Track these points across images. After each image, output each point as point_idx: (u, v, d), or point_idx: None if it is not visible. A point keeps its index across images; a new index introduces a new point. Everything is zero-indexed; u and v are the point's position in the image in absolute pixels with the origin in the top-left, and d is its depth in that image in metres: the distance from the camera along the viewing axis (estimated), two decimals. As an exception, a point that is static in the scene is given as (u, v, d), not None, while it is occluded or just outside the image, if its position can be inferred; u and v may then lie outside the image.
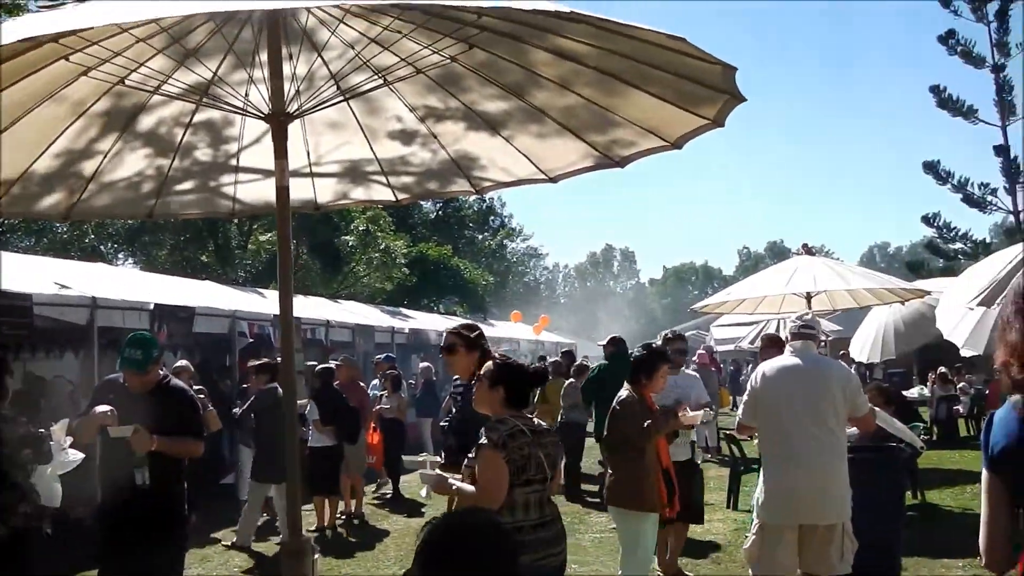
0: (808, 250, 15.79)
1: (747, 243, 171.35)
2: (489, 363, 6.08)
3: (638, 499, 8.25)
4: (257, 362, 13.86)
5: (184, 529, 7.75)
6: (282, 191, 4.75)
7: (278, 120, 4.76)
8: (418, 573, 2.76)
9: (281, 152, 4.73)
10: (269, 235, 38.89)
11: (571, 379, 17.87)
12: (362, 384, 15.71)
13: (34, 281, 15.06)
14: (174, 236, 38.00)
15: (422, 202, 64.08)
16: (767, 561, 7.78)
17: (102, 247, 38.98)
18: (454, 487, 5.81)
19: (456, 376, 8.15)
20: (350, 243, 39.74)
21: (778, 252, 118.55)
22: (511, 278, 78.46)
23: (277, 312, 15.92)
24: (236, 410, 14.36)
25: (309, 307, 24.26)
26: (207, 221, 32.63)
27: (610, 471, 8.66)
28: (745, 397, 8.37)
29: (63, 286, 15.22)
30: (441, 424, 9.90)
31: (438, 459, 8.17)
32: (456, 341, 7.21)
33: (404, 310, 34.86)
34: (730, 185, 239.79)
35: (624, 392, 8.58)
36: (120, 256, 41.87)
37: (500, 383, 5.89)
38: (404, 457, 10.17)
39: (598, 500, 15.09)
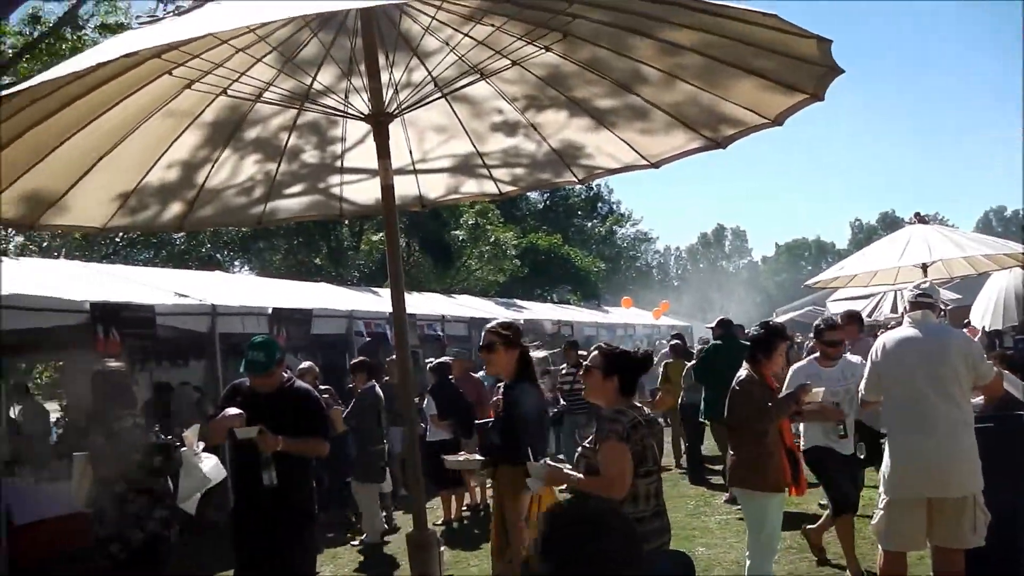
0: (921, 219, 15.44)
1: (859, 215, 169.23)
2: (596, 352, 6.09)
3: (762, 479, 8.10)
4: (355, 360, 14.02)
5: (313, 528, 7.86)
6: (387, 190, 4.81)
7: (378, 120, 4.83)
8: (542, 562, 2.76)
9: (384, 151, 4.80)
10: (380, 235, 39.25)
11: (693, 361, 17.73)
12: (477, 377, 15.69)
13: (155, 293, 15.41)
14: (287, 240, 38.55)
15: (529, 193, 64.27)
16: (895, 536, 7.65)
17: (218, 255, 39.74)
18: (571, 478, 5.83)
19: (499, 376, 8.08)
20: (460, 238, 39.96)
21: (891, 223, 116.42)
22: (622, 263, 78.04)
23: (391, 311, 16.21)
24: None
25: (424, 303, 24.45)
26: (319, 224, 33.10)
27: (732, 452, 8.58)
28: (866, 371, 8.21)
29: (183, 295, 15.54)
30: (483, 422, 9.87)
31: (477, 457, 8.19)
32: (495, 339, 7.24)
33: (518, 301, 34.94)
34: (839, 157, 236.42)
35: (743, 372, 8.45)
36: (236, 263, 42.67)
37: (614, 373, 5.91)
38: (445, 457, 9.99)
39: (722, 482, 14.98)
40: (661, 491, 5.96)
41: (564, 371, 16.59)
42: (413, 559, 4.65)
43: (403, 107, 4.88)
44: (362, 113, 4.87)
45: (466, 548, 12.70)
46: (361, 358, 14.13)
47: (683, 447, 18.32)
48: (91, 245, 31.53)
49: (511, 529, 7.08)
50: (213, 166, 5.61)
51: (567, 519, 2.84)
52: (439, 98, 5.09)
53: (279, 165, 5.81)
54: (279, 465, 7.21)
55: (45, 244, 26.91)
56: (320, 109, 5.13)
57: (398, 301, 4.98)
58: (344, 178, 6.03)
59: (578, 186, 60.11)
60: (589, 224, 77.58)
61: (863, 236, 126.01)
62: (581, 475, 5.81)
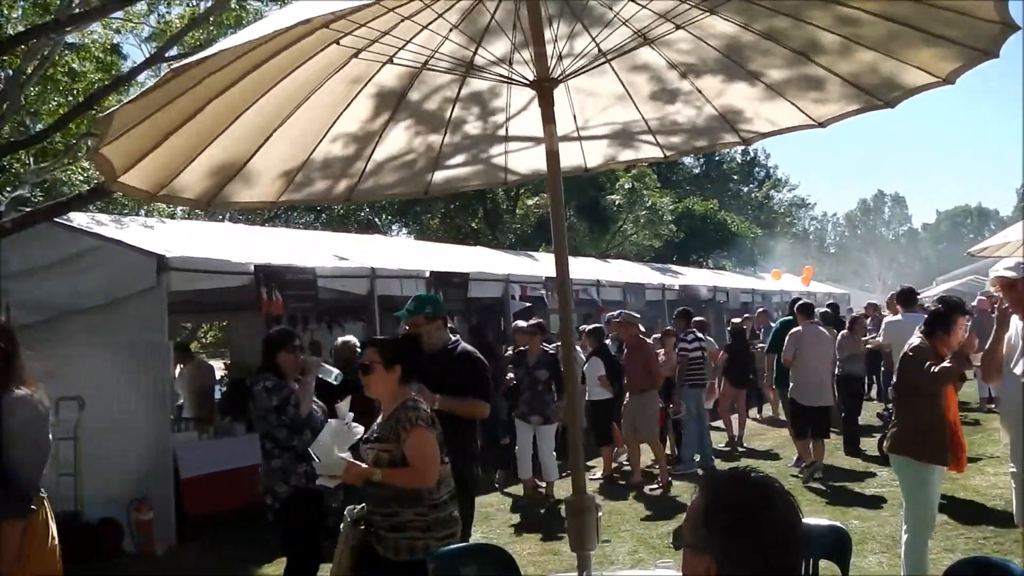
0: (1095, 183, 14.90)
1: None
2: (370, 348, 6.28)
3: (923, 449, 7.95)
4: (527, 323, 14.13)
5: (471, 490, 7.97)
6: (552, 155, 4.80)
7: (543, 86, 4.83)
8: (706, 532, 2.73)
9: (549, 117, 4.79)
10: (536, 199, 39.37)
11: (844, 331, 17.50)
12: (648, 340, 15.70)
13: (317, 255, 15.73)
14: (445, 205, 38.84)
15: (685, 158, 63.79)
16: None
17: (376, 219, 40.28)
18: (373, 472, 5.93)
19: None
20: (616, 202, 39.80)
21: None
22: (778, 229, 76.90)
23: (548, 274, 16.30)
24: (510, 375, 14.62)
25: (579, 267, 24.48)
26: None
27: (895, 418, 8.42)
28: None
29: (343, 258, 15.83)
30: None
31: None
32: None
33: (673, 267, 34.73)
34: (1005, 122, 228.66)
35: (916, 339, 8.29)
36: (394, 227, 43.17)
37: (395, 363, 6.11)
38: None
39: (877, 455, 14.75)
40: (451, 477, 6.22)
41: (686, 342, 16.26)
42: (571, 524, 4.68)
43: (568, 73, 4.87)
44: (527, 79, 4.88)
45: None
46: (539, 320, 14.47)
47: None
48: (253, 209, 32.16)
49: None
50: (379, 138, 5.68)
51: (731, 486, 2.82)
52: (603, 63, 5.06)
53: (444, 136, 5.85)
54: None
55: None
56: (487, 76, 5.16)
57: (561, 265, 4.98)
58: (508, 147, 6.05)
59: (734, 151, 59.81)
60: (745, 189, 76.66)
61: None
62: (377, 470, 5.92)
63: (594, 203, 38.57)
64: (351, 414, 6.49)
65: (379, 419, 6.24)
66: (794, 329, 15.26)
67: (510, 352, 15.39)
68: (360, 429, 6.40)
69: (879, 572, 9.31)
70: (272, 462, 7.67)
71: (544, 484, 13.85)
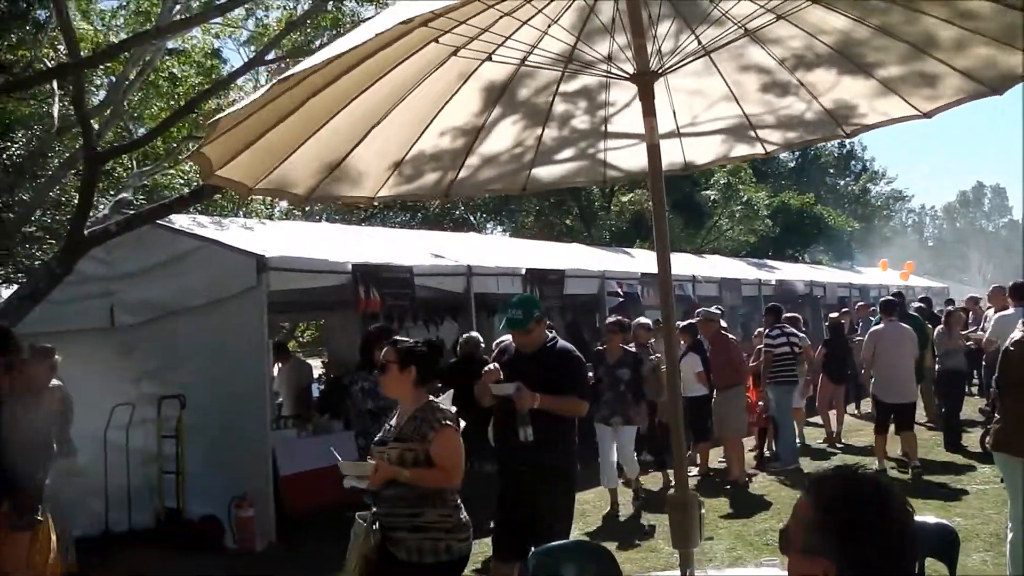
0: None
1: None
2: (388, 347, 6.29)
3: None
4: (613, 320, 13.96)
5: (570, 487, 7.93)
6: (653, 149, 4.74)
7: (643, 79, 4.77)
8: (821, 532, 2.67)
9: (649, 110, 4.73)
10: (631, 195, 39.26)
11: (940, 327, 17.27)
12: (730, 336, 15.62)
13: (413, 253, 15.84)
14: (539, 202, 38.87)
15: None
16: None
17: (471, 217, 40.43)
18: (400, 473, 5.90)
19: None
20: (712, 198, 39.55)
21: None
22: (876, 222, 75.90)
23: (644, 271, 16.22)
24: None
25: (675, 263, 24.01)
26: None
27: (998, 415, 8.25)
28: None
29: (439, 256, 15.92)
30: None
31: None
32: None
33: (769, 261, 34.42)
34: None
35: (1019, 333, 8.13)
36: (489, 225, 43.31)
37: (410, 364, 6.11)
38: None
39: (979, 451, 14.53)
40: None
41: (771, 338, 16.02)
42: (674, 520, 4.65)
43: (668, 66, 4.81)
44: (627, 73, 4.83)
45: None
46: (619, 318, 14.18)
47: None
48: (350, 209, 32.48)
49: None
50: (479, 133, 5.67)
51: (842, 486, 2.76)
52: (703, 55, 4.98)
53: (543, 131, 5.83)
54: (537, 422, 7.32)
55: (308, 208, 27.87)
56: (586, 71, 5.13)
57: (663, 262, 4.93)
58: (608, 143, 5.99)
59: (831, 144, 59.09)
60: (842, 183, 75.69)
61: None
62: (404, 470, 5.88)
63: (689, 198, 38.31)
64: (453, 408, 6.54)
65: (393, 420, 6.27)
66: (874, 327, 15.37)
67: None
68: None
69: (984, 571, 9.14)
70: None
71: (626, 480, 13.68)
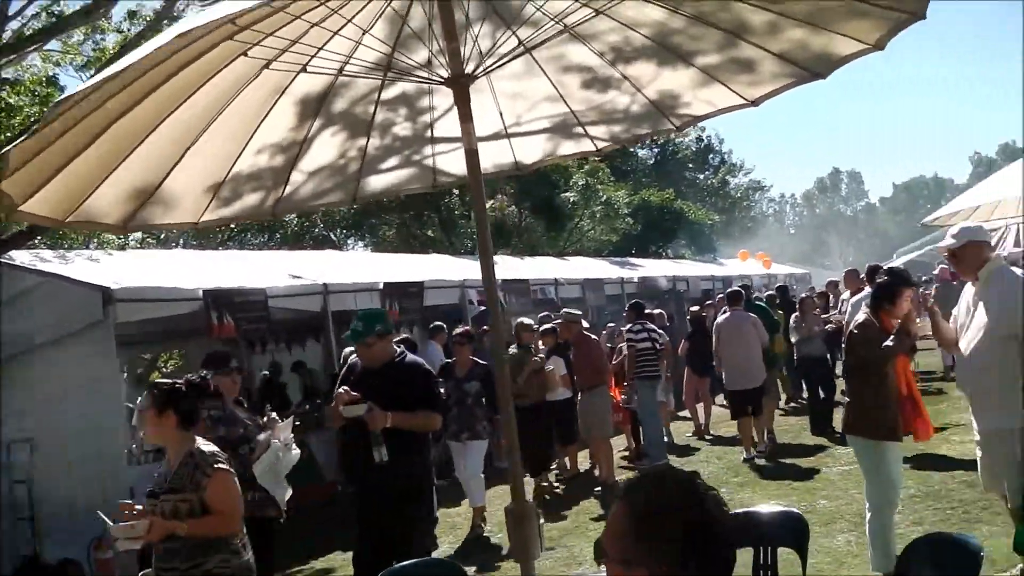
0: (1041, 145, 14.89)
1: (978, 148, 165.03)
2: (146, 392, 6.14)
3: (876, 428, 7.85)
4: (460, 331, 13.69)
5: (429, 503, 7.83)
6: (471, 154, 4.69)
7: (458, 83, 4.69)
8: (635, 539, 2.61)
9: (466, 115, 4.66)
10: (491, 202, 39.25)
11: (795, 314, 17.56)
12: (592, 336, 15.61)
13: (269, 275, 15.64)
14: (399, 215, 38.66)
15: (639, 149, 63.93)
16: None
17: (331, 235, 40.09)
18: (175, 527, 5.67)
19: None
20: (571, 199, 39.69)
21: (1011, 154, 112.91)
22: (737, 214, 77.20)
23: (506, 277, 16.14)
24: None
25: (536, 267, 24.44)
26: (427, 196, 32.86)
27: (847, 399, 8.35)
28: None
29: (295, 276, 15.75)
30: None
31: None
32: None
33: (632, 259, 34.71)
34: (955, 89, 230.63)
35: (862, 315, 8.22)
36: (350, 241, 43.03)
37: (167, 408, 5.86)
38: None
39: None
40: None
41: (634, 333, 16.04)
42: (512, 532, 4.57)
43: (484, 68, 4.73)
44: (442, 77, 4.73)
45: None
46: (466, 328, 14.14)
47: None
48: (206, 233, 32.02)
49: None
50: (301, 148, 5.54)
51: (652, 490, 2.68)
52: (521, 54, 4.88)
53: (368, 141, 5.71)
54: (390, 441, 7.20)
55: (163, 235, 27.38)
56: (402, 77, 5.02)
57: (487, 266, 4.94)
58: (436, 148, 5.92)
59: (687, 139, 59.89)
60: (701, 176, 76.83)
61: (983, 170, 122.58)
62: (180, 523, 5.67)
63: (549, 201, 38.32)
64: (291, 436, 6.37)
65: (164, 468, 5.99)
66: (719, 319, 15.82)
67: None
68: (297, 452, 6.31)
69: (848, 551, 9.25)
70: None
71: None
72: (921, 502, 10.47)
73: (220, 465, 5.75)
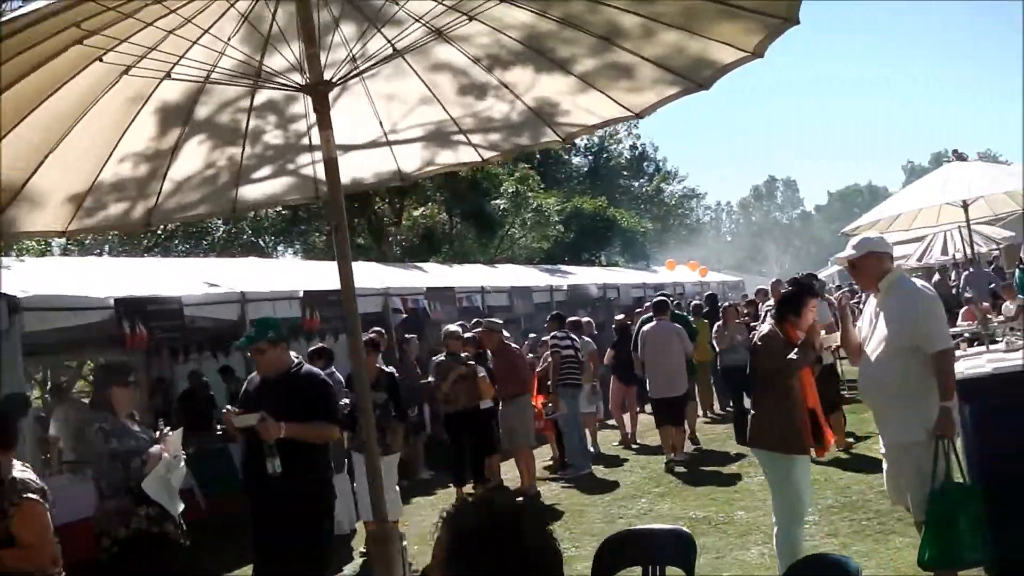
0: (960, 156, 14.96)
1: (911, 157, 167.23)
2: None
3: (782, 440, 7.82)
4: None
5: (323, 514, 7.64)
6: (330, 163, 4.57)
7: (316, 90, 4.57)
8: (449, 570, 2.48)
9: (325, 123, 4.54)
10: (422, 209, 39.12)
11: (718, 321, 17.61)
12: (513, 345, 15.47)
13: (185, 284, 15.42)
14: (327, 222, 38.50)
15: (572, 156, 64.15)
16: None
17: (259, 241, 39.77)
18: None
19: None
20: (501, 207, 39.65)
21: (943, 163, 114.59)
22: (672, 221, 77.72)
23: (431, 285, 16.04)
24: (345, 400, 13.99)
25: (463, 275, 24.42)
26: (356, 201, 32.56)
27: (753, 411, 8.28)
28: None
29: (213, 284, 15.54)
30: None
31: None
32: None
33: (563, 267, 34.72)
34: (888, 99, 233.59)
35: (765, 327, 8.18)
36: (280, 248, 42.76)
37: None
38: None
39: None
40: None
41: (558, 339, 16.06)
42: (375, 554, 4.45)
43: (344, 75, 4.61)
44: (299, 84, 4.58)
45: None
46: (321, 344, 14.14)
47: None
48: (132, 240, 31.66)
49: None
50: (172, 156, 5.37)
51: (475, 518, 2.55)
52: (385, 60, 4.77)
53: (242, 150, 5.55)
54: (285, 452, 7.04)
55: (87, 241, 27.03)
56: (262, 84, 4.90)
57: (346, 275, 4.79)
58: (314, 156, 5.73)
59: (621, 147, 60.11)
60: (636, 184, 77.29)
61: (915, 178, 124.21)
62: None
63: (478, 209, 38.29)
64: (181, 449, 6.19)
65: None
66: (644, 328, 16.08)
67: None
68: (184, 467, 6.12)
69: (760, 564, 9.20)
70: (107, 503, 7.24)
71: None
72: (837, 513, 10.48)
73: (29, 495, 5.50)
